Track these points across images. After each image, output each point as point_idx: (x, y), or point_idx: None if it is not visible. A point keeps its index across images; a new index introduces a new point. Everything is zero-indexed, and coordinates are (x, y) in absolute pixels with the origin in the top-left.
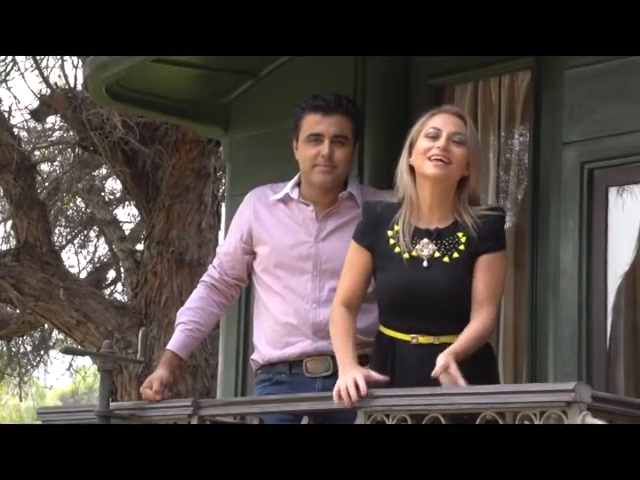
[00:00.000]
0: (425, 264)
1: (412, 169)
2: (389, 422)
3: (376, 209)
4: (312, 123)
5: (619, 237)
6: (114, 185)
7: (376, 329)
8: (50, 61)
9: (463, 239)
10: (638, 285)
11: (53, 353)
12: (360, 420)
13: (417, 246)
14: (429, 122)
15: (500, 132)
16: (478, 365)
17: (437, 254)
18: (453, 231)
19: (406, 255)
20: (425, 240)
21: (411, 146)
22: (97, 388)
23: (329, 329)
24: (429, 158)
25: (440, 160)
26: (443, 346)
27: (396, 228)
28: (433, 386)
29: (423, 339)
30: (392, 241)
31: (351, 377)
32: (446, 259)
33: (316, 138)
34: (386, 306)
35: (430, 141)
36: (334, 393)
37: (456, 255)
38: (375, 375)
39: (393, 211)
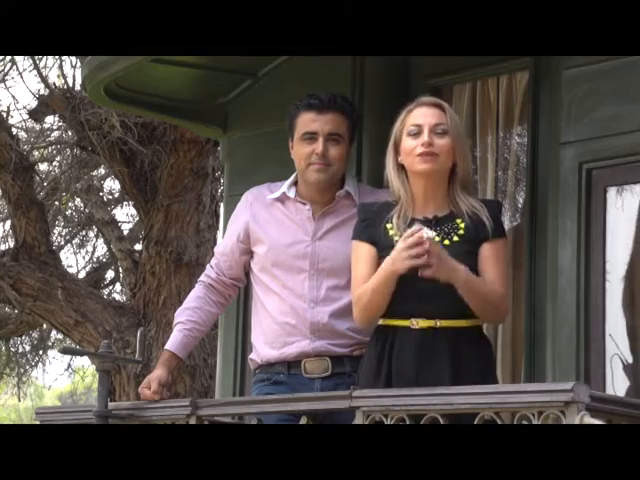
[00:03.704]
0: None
1: (402, 167)
2: (387, 422)
3: (371, 208)
4: (306, 121)
5: (617, 237)
6: (112, 185)
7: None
8: (49, 61)
9: (462, 225)
10: (636, 285)
11: (52, 353)
12: (358, 420)
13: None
14: (409, 119)
15: (498, 132)
16: (478, 361)
17: (437, 239)
18: (451, 218)
19: None
20: (424, 228)
21: (396, 145)
22: (95, 388)
23: (359, 304)
24: (417, 155)
25: (427, 155)
26: (443, 331)
27: (395, 220)
28: (432, 373)
29: (423, 323)
30: (391, 232)
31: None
32: (446, 242)
33: (311, 136)
34: None
35: (414, 139)
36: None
37: (456, 239)
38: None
39: (389, 208)
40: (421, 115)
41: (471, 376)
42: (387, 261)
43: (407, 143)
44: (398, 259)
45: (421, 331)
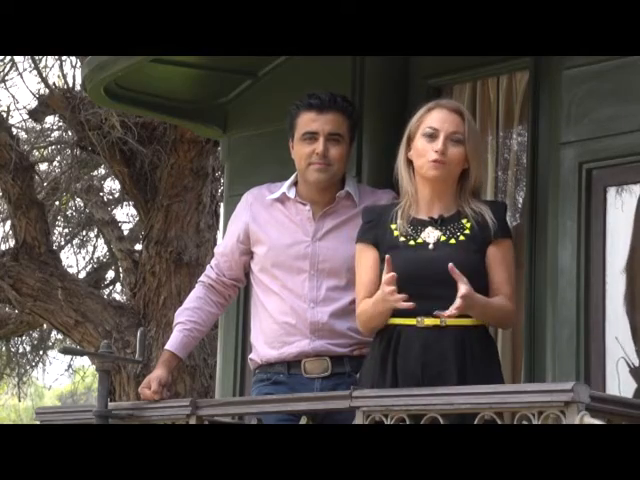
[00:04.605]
0: (431, 247)
1: (411, 162)
2: (387, 422)
3: (375, 209)
4: (307, 121)
5: (617, 237)
6: (112, 185)
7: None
8: (49, 61)
9: (468, 225)
10: (636, 285)
11: (52, 353)
12: (358, 420)
13: (422, 234)
14: (427, 119)
15: (498, 132)
16: (483, 360)
17: (443, 238)
18: (457, 218)
19: (412, 242)
20: (429, 228)
21: (409, 140)
22: (95, 388)
23: (360, 319)
24: (428, 161)
25: (439, 162)
26: (448, 329)
27: (399, 221)
28: (438, 371)
29: (429, 321)
30: (396, 232)
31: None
32: (452, 241)
33: (311, 136)
34: None
35: (428, 141)
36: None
37: (462, 238)
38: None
39: (392, 209)
40: (440, 119)
41: (477, 374)
42: (375, 301)
43: (420, 143)
44: (381, 302)
45: (426, 329)
